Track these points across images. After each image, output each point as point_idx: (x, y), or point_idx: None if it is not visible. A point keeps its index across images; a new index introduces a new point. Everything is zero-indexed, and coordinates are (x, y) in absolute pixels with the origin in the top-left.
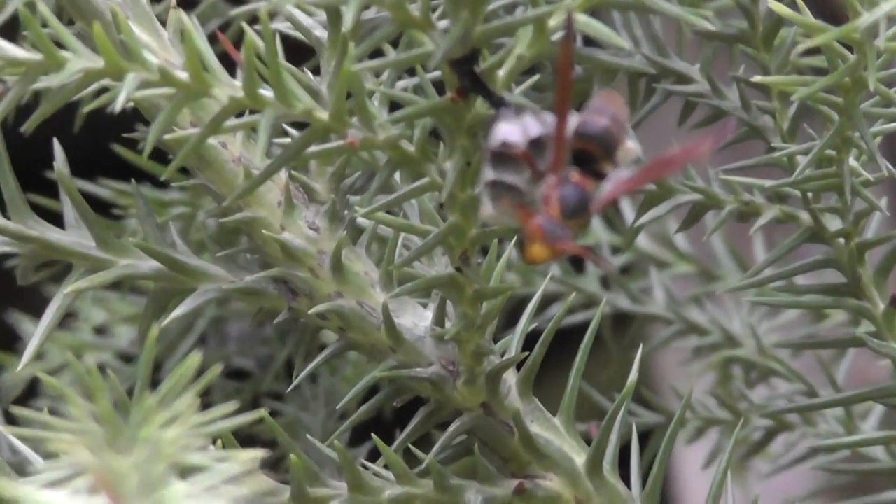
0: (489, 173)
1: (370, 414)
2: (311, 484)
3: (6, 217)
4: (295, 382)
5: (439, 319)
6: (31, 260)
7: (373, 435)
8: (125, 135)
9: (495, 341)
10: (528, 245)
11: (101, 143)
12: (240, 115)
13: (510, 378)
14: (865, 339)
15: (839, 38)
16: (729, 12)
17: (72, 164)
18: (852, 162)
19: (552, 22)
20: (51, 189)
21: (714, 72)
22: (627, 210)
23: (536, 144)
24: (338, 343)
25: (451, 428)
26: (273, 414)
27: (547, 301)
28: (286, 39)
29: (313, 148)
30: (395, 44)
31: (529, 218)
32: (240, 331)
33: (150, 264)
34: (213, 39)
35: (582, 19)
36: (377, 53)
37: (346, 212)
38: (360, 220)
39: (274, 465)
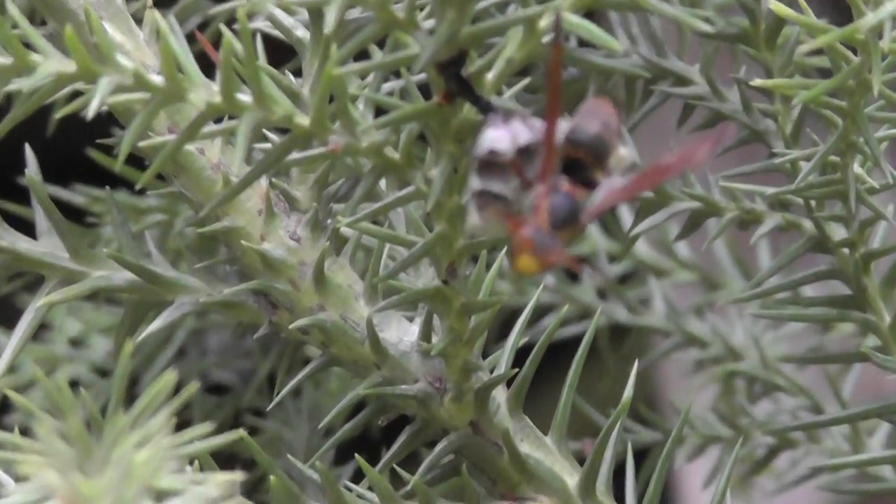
0: (476, 182)
1: (355, 432)
2: None
3: None
4: (277, 398)
5: (426, 334)
6: (1, 271)
7: (356, 455)
8: (100, 141)
9: (486, 354)
10: (516, 257)
11: (75, 146)
12: (218, 119)
13: (499, 395)
14: (870, 353)
15: (842, 39)
16: (730, 10)
17: (45, 169)
18: (857, 168)
19: (542, 23)
20: (22, 196)
21: (714, 72)
22: (626, 216)
23: (525, 152)
24: (320, 358)
25: (438, 447)
26: (254, 430)
27: (540, 312)
28: (267, 38)
29: (294, 155)
30: (382, 44)
31: (518, 228)
32: (220, 343)
33: (124, 276)
34: (192, 39)
35: (574, 20)
36: (362, 54)
37: (328, 221)
38: (344, 230)
39: (255, 485)
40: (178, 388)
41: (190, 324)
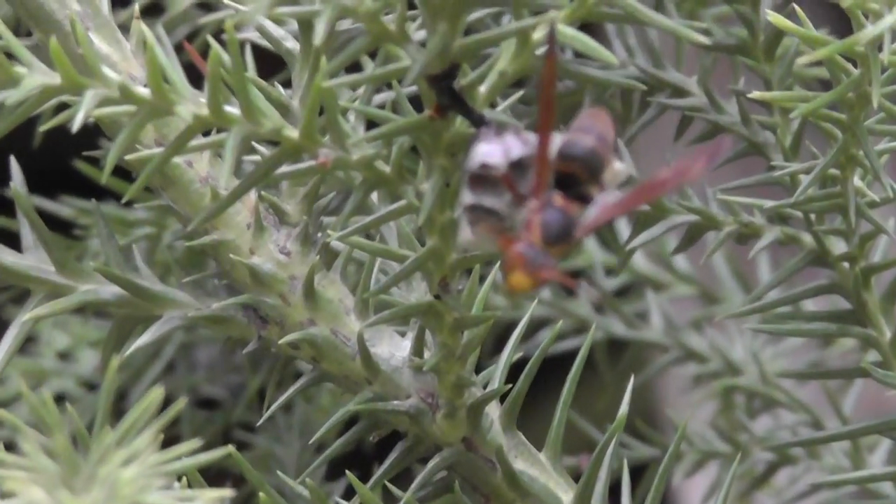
0: (468, 197)
1: (346, 448)
2: None
3: None
4: (267, 414)
5: (418, 349)
6: None
7: (347, 472)
8: (87, 153)
9: (480, 369)
10: (508, 273)
11: (62, 158)
12: (207, 132)
13: (493, 411)
14: (870, 369)
15: (842, 51)
16: (729, 21)
17: (31, 181)
18: (857, 181)
19: (536, 35)
20: (7, 208)
21: (713, 84)
22: (624, 229)
23: (518, 166)
24: (311, 374)
25: (431, 464)
26: (244, 446)
27: (536, 326)
28: (257, 49)
29: (284, 168)
30: (374, 55)
31: (510, 244)
32: (209, 357)
33: (112, 290)
34: (180, 49)
35: (569, 33)
36: (353, 66)
37: (319, 235)
38: (335, 244)
39: (245, 502)
40: (166, 403)
41: (179, 338)
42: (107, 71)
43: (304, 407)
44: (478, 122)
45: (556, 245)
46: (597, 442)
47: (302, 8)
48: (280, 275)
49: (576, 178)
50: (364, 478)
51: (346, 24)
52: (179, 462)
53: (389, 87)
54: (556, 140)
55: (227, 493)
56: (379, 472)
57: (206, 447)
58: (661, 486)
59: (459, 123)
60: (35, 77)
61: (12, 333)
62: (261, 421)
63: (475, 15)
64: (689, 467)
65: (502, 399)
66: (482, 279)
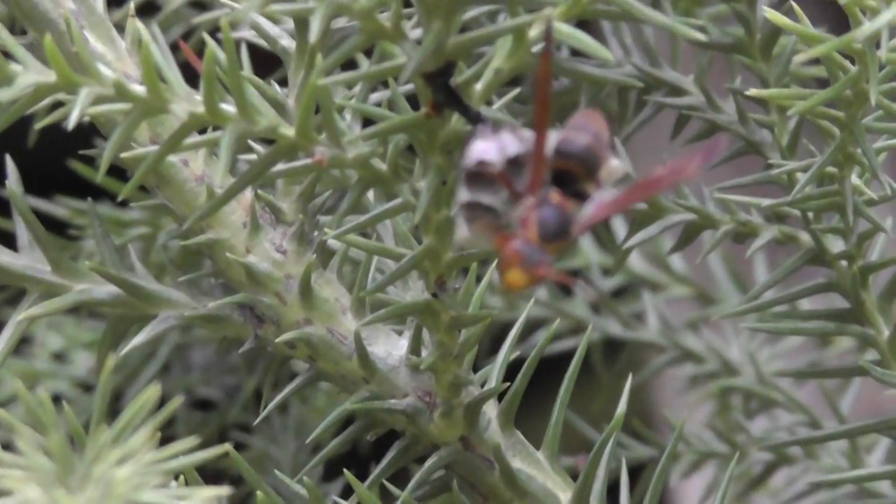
0: (464, 194)
1: (343, 447)
2: None
3: None
4: (263, 414)
5: (415, 348)
6: None
7: (345, 471)
8: (82, 152)
9: (477, 369)
10: (504, 271)
11: (57, 158)
12: (202, 130)
13: (490, 410)
14: (869, 367)
15: (839, 48)
16: (726, 19)
17: (26, 181)
18: (855, 180)
19: (532, 32)
20: (2, 208)
21: (709, 83)
22: (620, 229)
23: (514, 163)
24: (307, 373)
25: (428, 463)
26: (240, 447)
27: (532, 326)
28: (253, 48)
29: (279, 166)
30: (370, 54)
31: (506, 242)
32: (205, 358)
33: (107, 289)
34: (175, 48)
35: (565, 30)
36: (349, 64)
37: (315, 233)
38: (331, 243)
39: (242, 502)
40: (162, 405)
41: (174, 339)
42: (102, 69)
43: (300, 408)
44: (474, 119)
45: (553, 242)
46: (594, 443)
47: (297, 5)
48: (276, 274)
49: (572, 176)
50: (361, 479)
51: (341, 23)
52: (175, 461)
53: (385, 85)
54: (553, 137)
55: (224, 491)
56: (376, 471)
57: (201, 448)
58: (659, 485)
59: (455, 121)
60: (30, 75)
61: (7, 333)
62: (257, 421)
63: (471, 13)
64: (686, 468)
65: (500, 398)
66: (479, 279)
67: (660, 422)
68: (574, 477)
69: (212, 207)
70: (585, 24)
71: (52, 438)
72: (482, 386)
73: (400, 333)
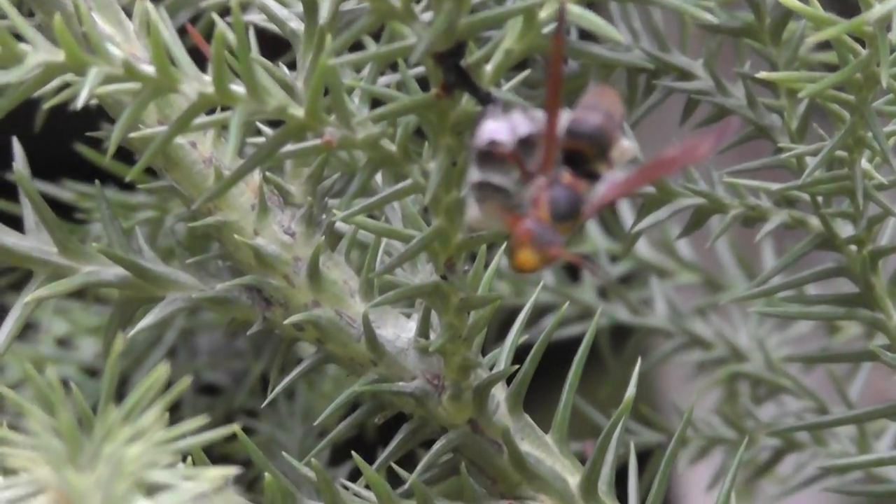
0: (475, 174)
1: (350, 431)
2: None
3: None
4: (270, 397)
5: (423, 330)
6: None
7: (353, 453)
8: (89, 133)
9: (485, 354)
10: (515, 250)
11: (65, 143)
12: (210, 112)
13: (499, 393)
14: (879, 352)
15: (850, 31)
16: (735, 3)
17: (33, 166)
18: (865, 164)
19: (543, 13)
20: (10, 192)
21: (719, 67)
22: (627, 215)
23: (525, 143)
24: (315, 356)
25: (436, 446)
26: (247, 432)
27: (540, 312)
28: (261, 33)
29: (288, 147)
30: (378, 37)
31: (517, 222)
32: (211, 343)
33: (114, 271)
34: (182, 33)
35: (576, 11)
36: (358, 47)
37: (323, 216)
38: (339, 225)
39: (249, 486)
40: (168, 389)
41: (180, 324)
42: (111, 49)
43: (307, 394)
44: (485, 99)
45: (564, 222)
46: (602, 429)
47: None
48: (284, 256)
49: (584, 156)
50: (368, 464)
51: (350, 5)
52: (184, 441)
53: (394, 69)
54: (564, 117)
55: (232, 471)
56: (384, 453)
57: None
58: (668, 470)
59: (466, 102)
60: (39, 54)
61: (14, 316)
62: (264, 404)
63: None
64: (694, 454)
65: (509, 381)
66: (487, 265)
67: (668, 408)
68: (582, 462)
69: (220, 189)
70: (594, 7)
71: (62, 418)
72: (491, 369)
73: (408, 316)
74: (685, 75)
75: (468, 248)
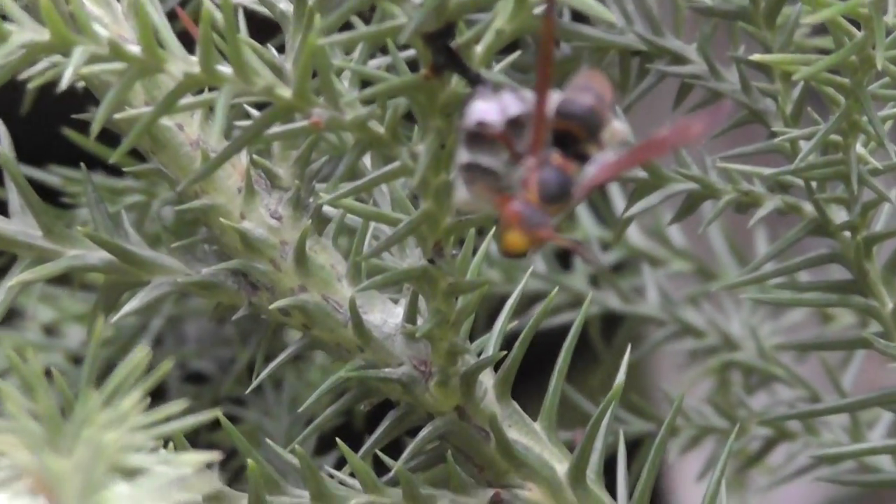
0: (464, 155)
1: (337, 419)
2: (271, 492)
3: None
4: (255, 383)
5: (411, 316)
6: None
7: (337, 440)
8: (75, 116)
9: (473, 341)
10: (504, 232)
11: (52, 127)
12: (198, 93)
13: (487, 380)
14: (872, 339)
15: (845, 13)
16: None
17: (19, 151)
18: (860, 148)
19: None
20: None
21: (712, 51)
22: (619, 201)
23: (515, 124)
24: (301, 341)
25: (423, 433)
26: (234, 420)
27: (531, 299)
28: (252, 16)
29: (276, 128)
30: (369, 20)
31: (506, 203)
32: (198, 331)
33: (99, 255)
34: (173, 17)
35: None
36: (348, 28)
37: (311, 199)
38: (327, 209)
39: (236, 475)
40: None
41: (167, 311)
42: (97, 28)
43: (294, 382)
44: (474, 80)
45: (554, 204)
46: (591, 417)
47: None
48: (271, 240)
49: (574, 137)
50: (357, 452)
51: None
52: (166, 425)
53: (384, 52)
54: (554, 98)
55: (214, 456)
56: (370, 440)
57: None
58: (657, 458)
59: (456, 83)
60: (24, 33)
61: None
62: (249, 389)
63: None
64: (685, 443)
65: (496, 368)
66: (475, 251)
67: (659, 397)
68: (572, 451)
69: (207, 170)
70: None
71: (41, 401)
72: (479, 356)
73: (396, 301)
74: (678, 59)
75: (457, 232)
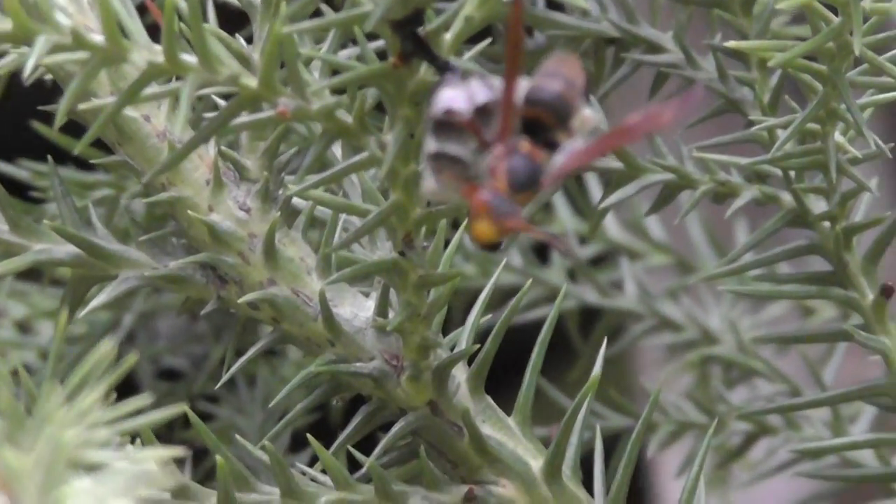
0: (432, 144)
1: (312, 414)
2: (240, 489)
3: None
4: (225, 378)
5: (382, 309)
6: None
7: (308, 436)
8: (42, 107)
9: (447, 335)
10: (473, 222)
11: (20, 121)
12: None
13: (460, 374)
14: (853, 331)
15: None
16: None
17: None
18: (838, 137)
19: None
20: None
21: (689, 40)
22: (596, 193)
23: (483, 112)
24: (271, 335)
25: (395, 428)
26: (207, 417)
27: (508, 293)
28: (221, 8)
29: (242, 118)
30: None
31: (474, 192)
32: (171, 327)
33: (66, 249)
34: (143, 11)
35: None
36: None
37: (280, 191)
38: (297, 201)
39: (209, 473)
40: (128, 375)
41: (139, 307)
42: (60, 17)
43: (268, 378)
44: (443, 67)
45: (523, 192)
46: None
47: None
48: (239, 232)
49: (543, 124)
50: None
51: None
52: (131, 420)
53: (355, 43)
54: (523, 85)
55: (179, 451)
56: (341, 436)
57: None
58: (634, 453)
59: (424, 72)
60: None
61: None
62: (219, 385)
63: None
64: (664, 438)
65: (470, 363)
66: (447, 242)
67: (638, 392)
68: (547, 447)
69: (172, 160)
70: None
71: (1, 396)
72: (452, 349)
73: (367, 295)
74: (654, 48)
75: (427, 223)
